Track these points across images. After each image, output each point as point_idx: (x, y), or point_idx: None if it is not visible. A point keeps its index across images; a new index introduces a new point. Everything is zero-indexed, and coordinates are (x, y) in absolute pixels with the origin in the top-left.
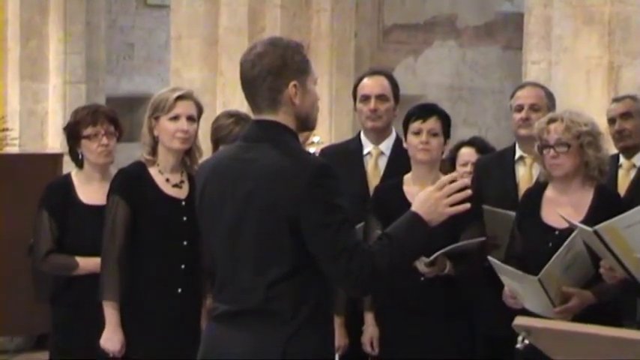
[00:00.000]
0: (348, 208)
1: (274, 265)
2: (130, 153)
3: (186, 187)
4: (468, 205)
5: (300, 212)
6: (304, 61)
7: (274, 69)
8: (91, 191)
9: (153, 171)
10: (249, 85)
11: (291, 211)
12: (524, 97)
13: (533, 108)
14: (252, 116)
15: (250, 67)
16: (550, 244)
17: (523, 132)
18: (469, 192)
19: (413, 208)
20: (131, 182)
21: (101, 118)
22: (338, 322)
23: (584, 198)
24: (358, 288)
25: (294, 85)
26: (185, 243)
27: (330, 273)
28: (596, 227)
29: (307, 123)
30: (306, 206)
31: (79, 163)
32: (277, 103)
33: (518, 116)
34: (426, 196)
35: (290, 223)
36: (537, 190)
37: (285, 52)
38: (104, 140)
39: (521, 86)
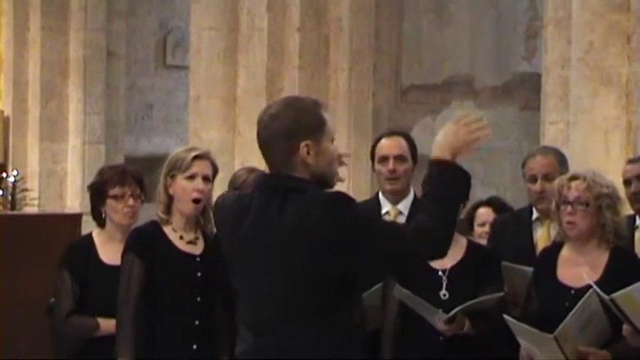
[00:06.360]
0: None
1: (301, 311)
2: (148, 213)
3: (201, 243)
4: (488, 133)
5: (342, 256)
6: (318, 119)
7: (286, 131)
8: (112, 251)
9: (167, 229)
10: (263, 145)
11: (328, 259)
12: (537, 167)
13: (547, 178)
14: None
15: (263, 129)
16: (567, 304)
17: (540, 206)
18: (485, 122)
19: (433, 155)
20: (146, 240)
21: (129, 179)
22: None
23: (600, 258)
24: (431, 243)
25: (306, 145)
26: (199, 299)
27: (408, 254)
28: (613, 295)
29: (326, 181)
30: (351, 247)
31: (101, 223)
32: (292, 163)
33: (533, 188)
34: (444, 132)
35: (326, 271)
36: (553, 249)
37: (298, 113)
38: (130, 201)
39: (532, 155)
